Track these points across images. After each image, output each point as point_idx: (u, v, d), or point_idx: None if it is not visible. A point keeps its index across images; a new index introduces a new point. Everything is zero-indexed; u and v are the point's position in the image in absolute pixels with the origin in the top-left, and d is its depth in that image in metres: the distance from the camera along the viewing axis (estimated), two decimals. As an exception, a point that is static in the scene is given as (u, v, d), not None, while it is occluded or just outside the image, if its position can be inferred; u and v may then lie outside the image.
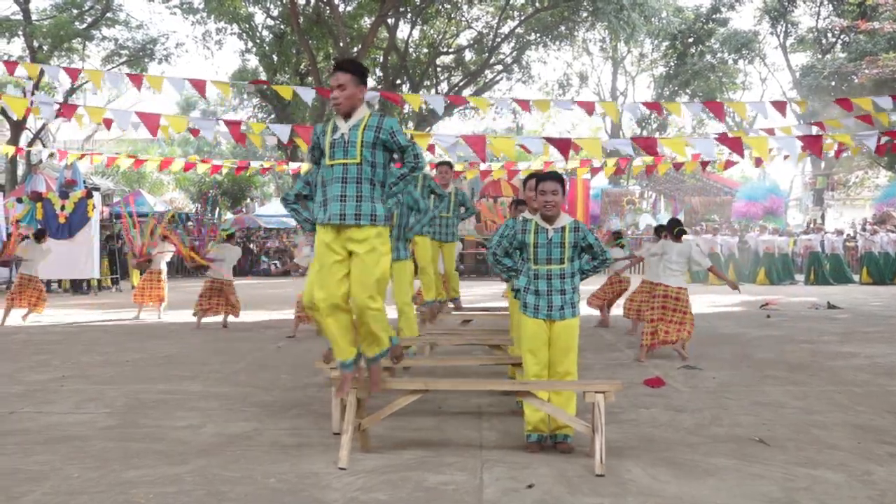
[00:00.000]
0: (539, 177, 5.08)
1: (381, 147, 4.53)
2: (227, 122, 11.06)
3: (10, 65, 11.47)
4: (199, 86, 10.34)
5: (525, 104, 12.77)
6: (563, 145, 9.99)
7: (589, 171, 17.80)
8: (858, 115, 10.76)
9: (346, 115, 4.57)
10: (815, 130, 12.23)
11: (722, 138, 10.87)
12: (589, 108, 11.10)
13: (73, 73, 9.46)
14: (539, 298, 4.86)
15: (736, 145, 10.23)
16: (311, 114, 27.31)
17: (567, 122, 53.04)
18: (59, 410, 6.03)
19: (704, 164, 16.79)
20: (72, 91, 30.58)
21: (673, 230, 8.83)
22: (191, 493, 4.02)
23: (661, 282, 8.80)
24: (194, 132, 15.77)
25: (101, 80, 10.26)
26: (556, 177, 4.93)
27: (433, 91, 32.55)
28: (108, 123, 13.78)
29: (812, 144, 9.89)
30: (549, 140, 10.24)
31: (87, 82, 30.41)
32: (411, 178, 4.66)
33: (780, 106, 10.72)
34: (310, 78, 28.74)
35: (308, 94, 12.21)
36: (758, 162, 15.93)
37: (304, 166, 17.44)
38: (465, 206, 8.30)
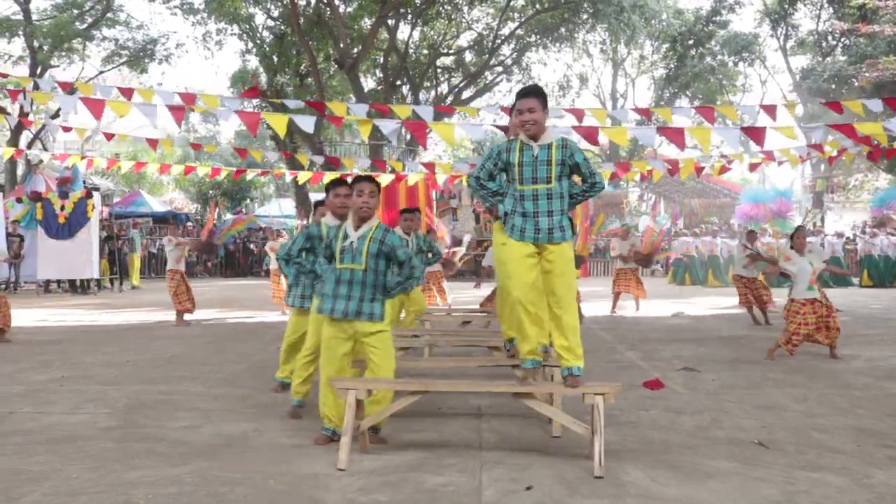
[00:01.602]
0: (517, 94, 4.84)
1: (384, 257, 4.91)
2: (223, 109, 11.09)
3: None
4: (188, 99, 10.41)
5: (510, 111, 12.72)
6: (506, 130, 10.07)
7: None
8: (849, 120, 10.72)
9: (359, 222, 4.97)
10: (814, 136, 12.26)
11: (663, 129, 10.88)
12: (578, 114, 11.09)
13: (98, 106, 9.55)
14: (526, 220, 4.69)
15: (677, 137, 10.24)
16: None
17: (567, 122, 53.03)
18: (59, 411, 6.03)
19: (699, 169, 16.83)
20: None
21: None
22: (191, 494, 4.02)
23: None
24: (195, 146, 15.92)
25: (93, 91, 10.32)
26: (536, 92, 4.75)
27: (433, 92, 32.58)
28: (108, 137, 13.92)
29: (754, 135, 9.87)
30: (501, 127, 10.24)
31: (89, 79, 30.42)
32: (409, 285, 5.02)
33: (770, 109, 10.71)
34: (310, 79, 28.76)
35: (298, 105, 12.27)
36: (752, 167, 16.00)
37: (302, 174, 17.35)
38: (430, 252, 8.48)
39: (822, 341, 8.66)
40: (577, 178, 4.85)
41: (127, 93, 10.04)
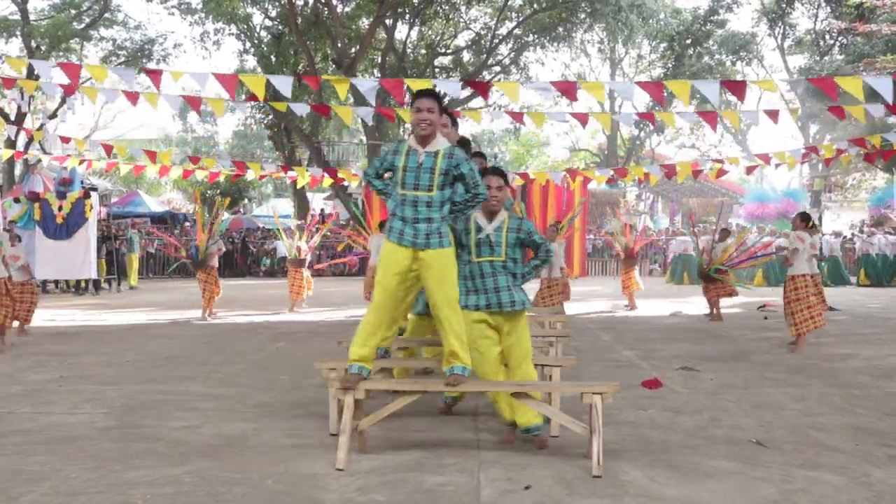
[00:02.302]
0: (414, 94, 4.85)
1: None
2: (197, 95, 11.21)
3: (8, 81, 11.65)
4: (195, 102, 10.50)
5: (519, 116, 12.84)
6: (482, 88, 10.18)
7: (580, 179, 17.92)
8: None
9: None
10: (812, 132, 12.36)
11: (641, 84, 11.01)
12: (583, 119, 11.14)
13: (74, 71, 9.63)
14: (405, 225, 4.68)
15: (656, 91, 10.40)
16: (308, 116, 27.26)
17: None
18: (58, 411, 6.03)
19: (696, 172, 16.91)
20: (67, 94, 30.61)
21: (809, 222, 9.78)
22: (189, 494, 4.02)
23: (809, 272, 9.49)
24: (194, 159, 16.02)
25: (97, 88, 10.39)
26: (434, 94, 4.76)
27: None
28: (108, 149, 14.00)
29: (734, 89, 9.86)
30: (467, 82, 10.37)
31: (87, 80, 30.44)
32: (542, 268, 5.22)
33: (772, 115, 10.75)
34: (307, 79, 28.66)
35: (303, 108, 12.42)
36: (749, 170, 16.07)
37: (301, 178, 17.33)
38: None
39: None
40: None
41: (132, 96, 10.07)
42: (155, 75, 9.83)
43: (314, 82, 11.03)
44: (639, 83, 11.18)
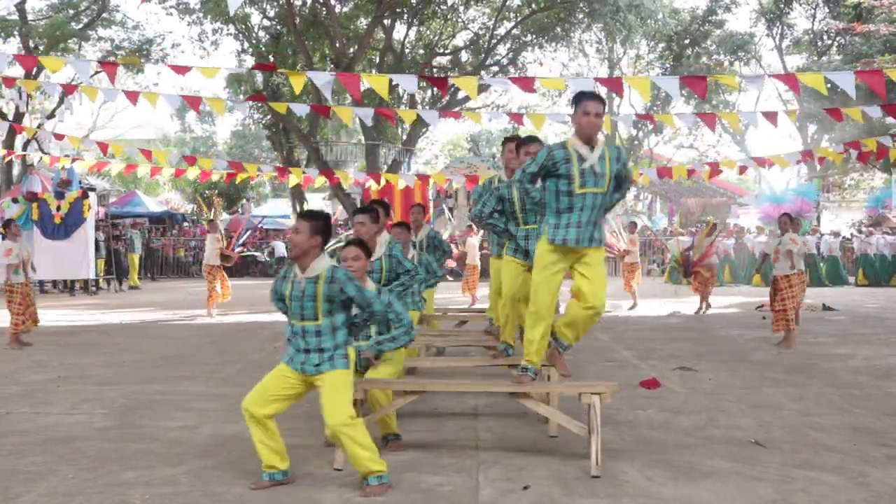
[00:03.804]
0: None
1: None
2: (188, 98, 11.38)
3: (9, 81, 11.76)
4: (194, 102, 10.56)
5: (518, 118, 12.87)
6: (440, 83, 10.33)
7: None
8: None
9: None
10: (810, 132, 12.46)
11: (599, 79, 11.18)
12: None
13: (31, 62, 9.98)
14: (297, 353, 4.34)
15: (616, 86, 10.62)
16: (307, 116, 27.26)
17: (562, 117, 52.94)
18: (56, 411, 6.03)
19: (690, 172, 16.95)
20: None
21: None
22: (187, 495, 4.02)
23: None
24: (189, 160, 16.07)
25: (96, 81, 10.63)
26: (308, 215, 4.34)
27: (429, 92, 32.55)
28: (104, 148, 14.09)
29: (693, 85, 9.83)
30: (424, 77, 10.54)
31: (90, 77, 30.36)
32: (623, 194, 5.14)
33: (771, 117, 10.78)
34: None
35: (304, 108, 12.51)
36: (742, 170, 16.11)
37: (296, 176, 17.33)
38: (441, 249, 8.32)
39: None
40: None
41: (132, 95, 10.10)
42: (110, 67, 10.12)
43: (269, 69, 11.25)
44: (597, 79, 11.30)
